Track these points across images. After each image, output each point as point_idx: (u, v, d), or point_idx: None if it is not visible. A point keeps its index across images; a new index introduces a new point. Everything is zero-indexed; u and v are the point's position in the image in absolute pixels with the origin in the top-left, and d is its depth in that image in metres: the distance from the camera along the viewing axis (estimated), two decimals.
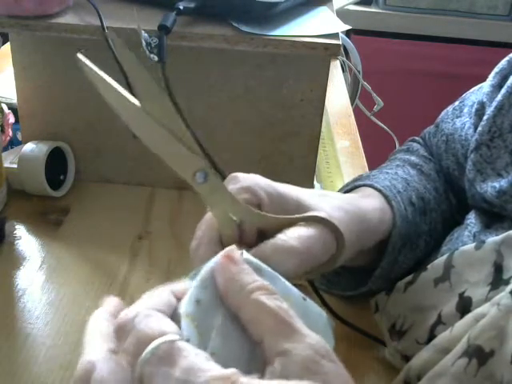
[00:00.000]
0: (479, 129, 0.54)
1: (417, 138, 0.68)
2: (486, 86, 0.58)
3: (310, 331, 0.31)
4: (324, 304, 0.55)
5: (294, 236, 0.40)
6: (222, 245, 0.41)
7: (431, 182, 0.60)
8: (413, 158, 0.63)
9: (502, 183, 0.50)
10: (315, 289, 0.56)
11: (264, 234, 0.41)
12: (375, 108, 1.26)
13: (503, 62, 0.57)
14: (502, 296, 0.40)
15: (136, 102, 0.36)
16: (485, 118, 0.54)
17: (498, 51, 1.78)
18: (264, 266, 0.36)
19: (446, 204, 0.60)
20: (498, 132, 0.52)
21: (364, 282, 0.55)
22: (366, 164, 0.88)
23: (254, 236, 0.41)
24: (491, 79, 0.57)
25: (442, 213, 0.59)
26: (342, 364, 0.31)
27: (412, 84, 1.82)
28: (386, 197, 0.53)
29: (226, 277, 0.33)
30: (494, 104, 0.53)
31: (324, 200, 0.45)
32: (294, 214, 0.42)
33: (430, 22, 1.77)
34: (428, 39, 1.79)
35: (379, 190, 0.53)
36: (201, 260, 0.38)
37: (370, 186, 0.54)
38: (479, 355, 0.39)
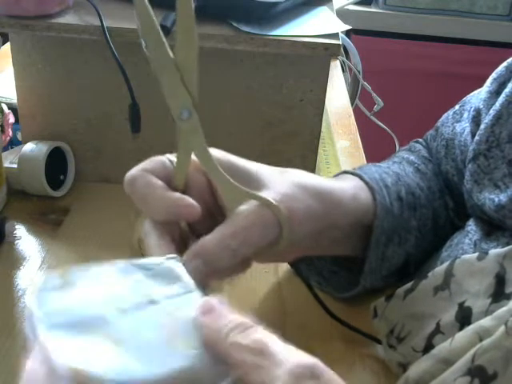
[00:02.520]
0: (476, 138, 0.53)
1: (420, 140, 0.68)
2: (482, 91, 0.57)
3: (290, 351, 0.31)
4: (321, 304, 0.55)
5: (229, 230, 0.41)
6: (170, 185, 0.43)
7: (426, 180, 0.60)
8: (412, 157, 0.63)
9: (501, 197, 0.49)
10: (312, 290, 0.56)
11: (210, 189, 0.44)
12: (375, 108, 1.26)
13: (501, 68, 0.56)
14: (505, 311, 0.39)
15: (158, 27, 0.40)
16: (482, 126, 0.53)
17: (498, 51, 1.78)
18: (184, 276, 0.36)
19: (440, 204, 0.60)
20: (495, 142, 0.52)
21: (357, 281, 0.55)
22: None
23: (202, 186, 0.44)
24: (488, 85, 0.56)
25: (434, 211, 0.58)
26: (330, 372, 0.31)
27: (412, 84, 1.82)
28: (371, 189, 0.52)
29: (209, 331, 0.32)
30: (492, 113, 0.53)
31: (282, 176, 0.46)
32: (245, 186, 0.43)
33: (429, 21, 1.77)
34: (428, 39, 1.79)
35: (366, 182, 0.53)
36: (136, 190, 0.43)
37: (358, 176, 0.54)
38: (482, 376, 0.38)
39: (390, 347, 0.50)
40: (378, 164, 0.60)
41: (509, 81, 0.54)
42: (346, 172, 0.56)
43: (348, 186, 0.51)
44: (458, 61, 1.80)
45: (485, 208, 0.51)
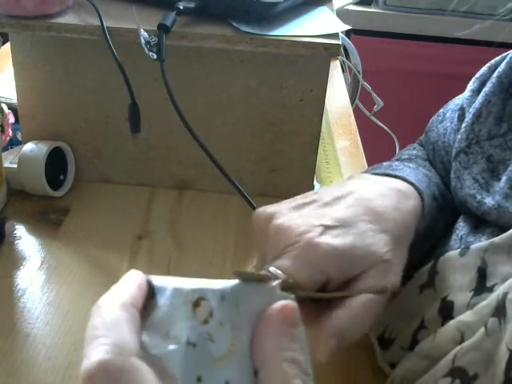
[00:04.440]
0: (458, 137, 0.54)
1: (415, 144, 0.68)
2: (466, 91, 0.58)
3: None
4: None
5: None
6: None
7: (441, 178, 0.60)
8: (420, 153, 0.63)
9: (483, 195, 0.50)
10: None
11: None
12: (375, 108, 1.26)
13: (484, 68, 0.57)
14: (484, 306, 0.40)
15: None
16: (463, 125, 0.54)
17: (498, 51, 1.78)
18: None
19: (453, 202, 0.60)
20: (475, 139, 0.53)
21: None
22: (365, 164, 0.88)
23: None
24: (471, 84, 0.57)
25: (453, 209, 0.59)
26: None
27: (412, 84, 1.82)
28: (418, 190, 0.51)
29: (272, 332, 0.32)
30: (472, 111, 0.53)
31: (383, 238, 0.45)
32: (363, 268, 0.43)
33: (429, 21, 1.77)
34: (428, 39, 1.79)
35: (412, 184, 0.52)
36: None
37: (403, 179, 0.52)
38: (463, 377, 0.38)
39: (382, 349, 0.50)
40: (406, 164, 0.59)
41: (488, 80, 0.54)
42: (389, 172, 0.54)
43: (415, 215, 0.49)
44: (458, 61, 1.80)
45: (468, 205, 0.51)
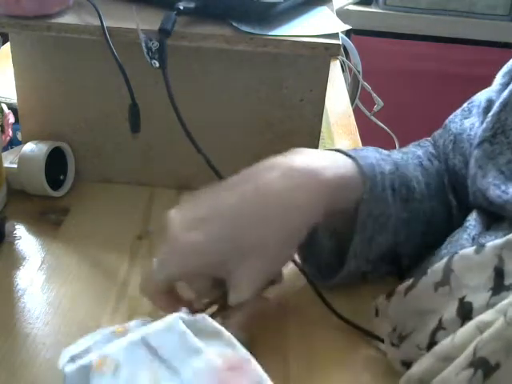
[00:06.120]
0: (483, 125, 0.54)
1: (428, 139, 0.68)
2: (495, 84, 0.58)
3: None
4: (324, 302, 0.56)
5: None
6: None
7: (426, 176, 0.60)
8: (419, 153, 0.64)
9: (508, 186, 0.50)
10: (316, 289, 0.56)
11: None
12: (375, 108, 1.26)
13: (511, 62, 0.57)
14: (506, 304, 0.39)
15: None
16: (490, 114, 0.54)
17: (498, 51, 1.78)
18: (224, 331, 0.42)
19: (439, 202, 0.60)
20: (500, 128, 0.53)
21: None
22: None
23: None
24: (500, 78, 0.58)
25: (431, 208, 0.59)
26: None
27: (412, 84, 1.82)
28: (363, 174, 0.53)
29: None
30: (500, 101, 0.54)
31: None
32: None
33: (429, 21, 1.77)
34: (428, 39, 1.79)
35: (360, 167, 0.54)
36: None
37: (353, 158, 0.55)
38: (484, 367, 0.38)
39: (393, 345, 0.50)
40: (379, 149, 0.60)
41: None
42: (339, 151, 0.56)
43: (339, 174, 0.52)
44: (458, 61, 1.80)
45: (488, 192, 0.51)
